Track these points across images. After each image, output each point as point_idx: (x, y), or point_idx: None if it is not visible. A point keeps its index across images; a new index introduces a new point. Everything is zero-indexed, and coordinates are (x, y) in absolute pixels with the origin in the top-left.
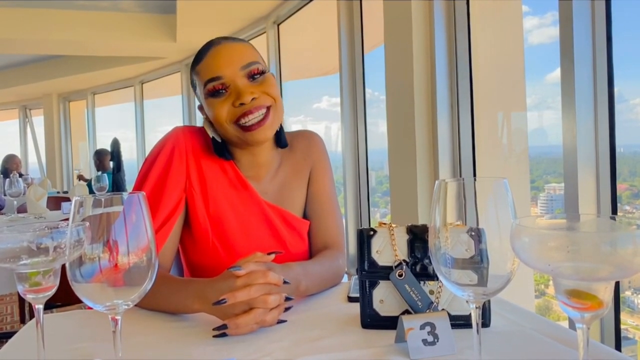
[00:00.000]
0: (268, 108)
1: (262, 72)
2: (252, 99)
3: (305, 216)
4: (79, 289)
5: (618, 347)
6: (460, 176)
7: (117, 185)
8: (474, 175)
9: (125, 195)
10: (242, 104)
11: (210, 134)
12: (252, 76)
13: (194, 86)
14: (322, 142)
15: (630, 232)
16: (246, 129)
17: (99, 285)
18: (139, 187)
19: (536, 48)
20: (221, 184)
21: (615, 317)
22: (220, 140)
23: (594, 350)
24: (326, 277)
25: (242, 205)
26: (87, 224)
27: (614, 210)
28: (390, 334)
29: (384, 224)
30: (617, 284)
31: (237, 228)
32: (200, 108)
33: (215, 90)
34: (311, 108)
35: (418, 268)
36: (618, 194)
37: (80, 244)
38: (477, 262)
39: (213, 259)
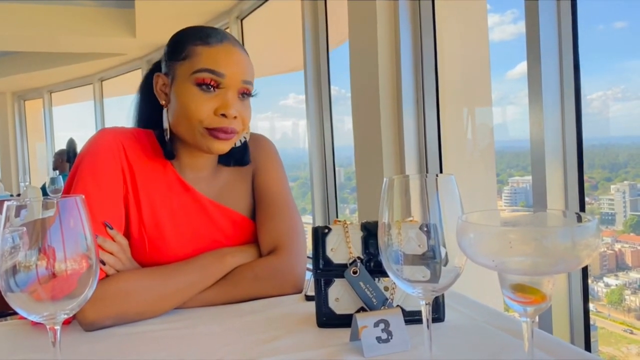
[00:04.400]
0: (237, 132)
1: (250, 95)
2: (234, 117)
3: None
4: (13, 299)
5: (587, 335)
6: (427, 172)
7: None
8: (440, 170)
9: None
10: (223, 115)
11: (165, 123)
12: (243, 93)
13: (173, 55)
14: (270, 144)
15: (568, 227)
16: (214, 135)
17: (35, 294)
18: (72, 189)
19: (497, 45)
20: (157, 188)
21: (584, 306)
22: (168, 136)
23: (543, 341)
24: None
25: (181, 209)
26: (24, 229)
27: (582, 202)
28: (346, 333)
29: (339, 221)
30: (585, 274)
31: (175, 235)
32: (159, 83)
33: (206, 83)
34: (278, 105)
35: (372, 265)
36: None
37: (16, 251)
38: (430, 258)
39: (151, 265)
